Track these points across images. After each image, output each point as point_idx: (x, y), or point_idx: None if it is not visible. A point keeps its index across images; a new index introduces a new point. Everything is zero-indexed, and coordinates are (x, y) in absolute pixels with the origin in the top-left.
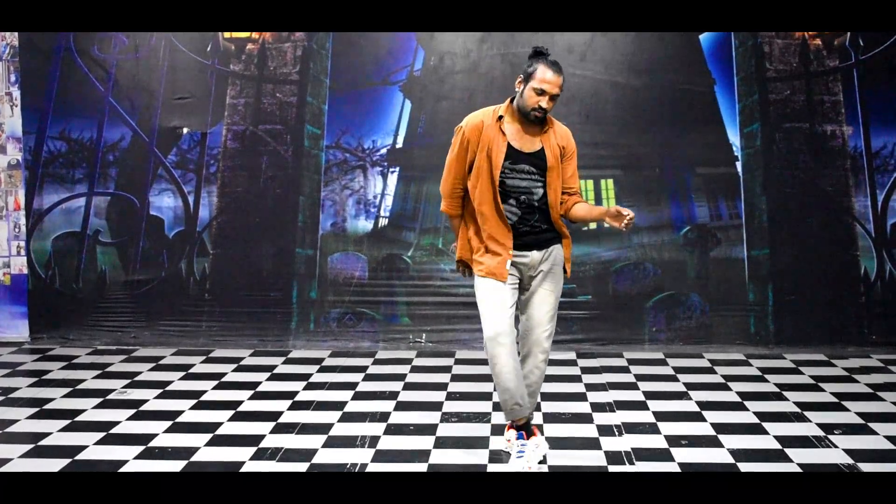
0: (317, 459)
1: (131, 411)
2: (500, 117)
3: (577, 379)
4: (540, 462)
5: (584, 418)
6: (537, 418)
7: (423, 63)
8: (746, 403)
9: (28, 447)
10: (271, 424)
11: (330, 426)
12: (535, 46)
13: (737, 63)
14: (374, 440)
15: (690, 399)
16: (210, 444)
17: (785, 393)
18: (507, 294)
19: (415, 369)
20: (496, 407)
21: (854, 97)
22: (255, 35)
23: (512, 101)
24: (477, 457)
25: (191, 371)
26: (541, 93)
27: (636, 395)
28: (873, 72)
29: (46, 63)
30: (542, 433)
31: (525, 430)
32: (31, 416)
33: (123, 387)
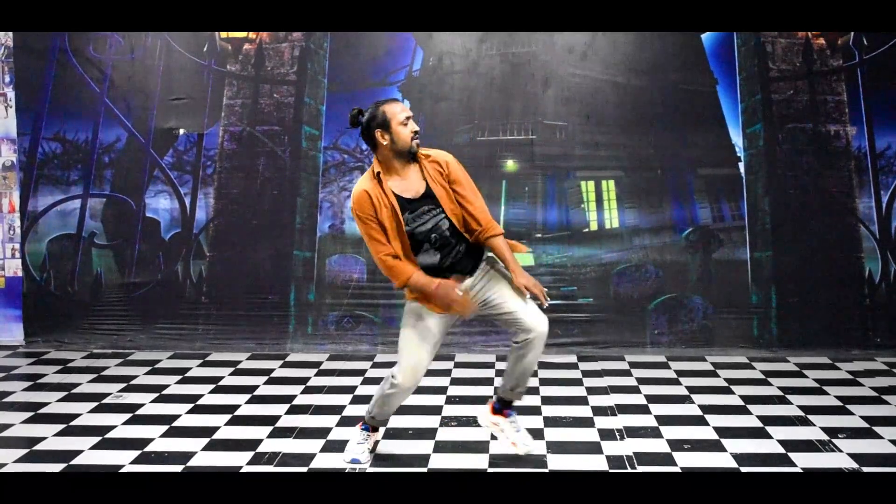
0: (315, 464)
1: (127, 415)
2: (378, 174)
3: (578, 382)
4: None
5: (586, 422)
6: (537, 422)
7: (422, 63)
8: (749, 407)
9: (23, 452)
10: (269, 428)
11: (328, 430)
12: (351, 113)
13: (739, 63)
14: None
15: (693, 402)
16: (207, 448)
17: (788, 396)
18: (434, 329)
19: None
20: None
21: (858, 97)
22: (251, 35)
23: (380, 162)
24: (476, 461)
25: (187, 375)
26: (407, 120)
27: (638, 399)
28: (877, 71)
29: (41, 64)
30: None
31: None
32: (26, 421)
33: (119, 391)
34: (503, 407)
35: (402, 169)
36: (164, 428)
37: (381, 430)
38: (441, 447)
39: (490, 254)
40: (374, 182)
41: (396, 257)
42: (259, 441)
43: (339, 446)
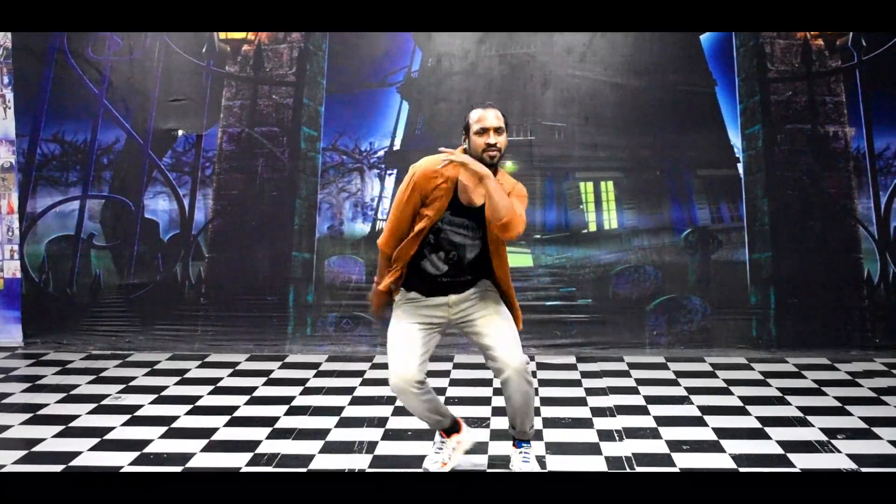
0: (314, 465)
1: (126, 417)
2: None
3: (577, 383)
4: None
5: (585, 423)
6: (536, 423)
7: (421, 64)
8: (748, 408)
9: (22, 453)
10: (268, 430)
11: (327, 431)
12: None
13: (738, 64)
14: (371, 445)
15: (692, 403)
16: (206, 449)
17: (787, 397)
18: (417, 333)
19: None
20: (495, 412)
21: (857, 98)
22: (250, 36)
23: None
24: (476, 461)
25: (186, 376)
26: (482, 132)
27: (637, 400)
28: (876, 72)
29: (40, 65)
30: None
31: (446, 431)
32: (25, 422)
33: (118, 392)
34: (514, 439)
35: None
36: (163, 429)
37: (459, 433)
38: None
39: (483, 281)
40: (451, 169)
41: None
42: (258, 442)
43: (338, 447)
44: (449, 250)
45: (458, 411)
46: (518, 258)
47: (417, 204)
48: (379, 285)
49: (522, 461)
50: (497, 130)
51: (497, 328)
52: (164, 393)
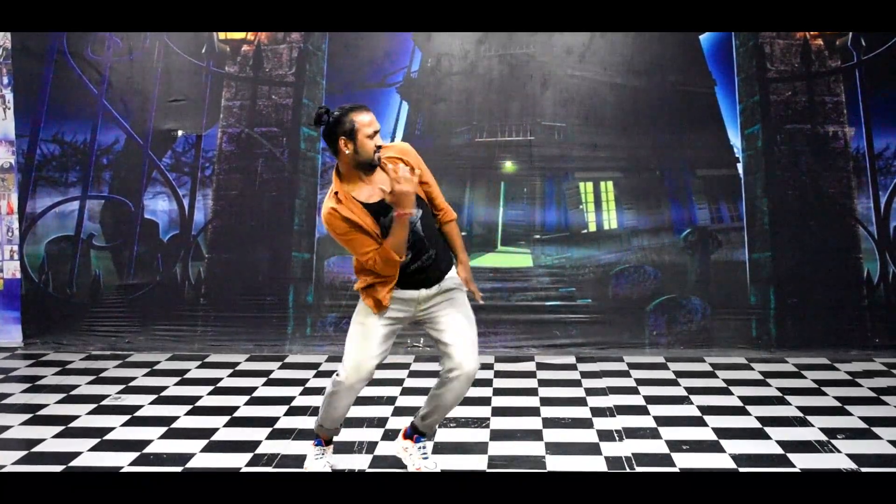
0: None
1: (126, 417)
2: (337, 194)
3: (576, 383)
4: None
5: (585, 423)
6: (536, 423)
7: (420, 65)
8: (748, 408)
9: (21, 454)
10: (268, 430)
11: None
12: (317, 111)
13: (737, 64)
14: (371, 445)
15: (692, 403)
16: (205, 450)
17: (787, 397)
18: (381, 330)
19: (412, 374)
20: (495, 412)
21: (856, 98)
22: (250, 37)
23: (338, 174)
24: (475, 462)
25: (186, 376)
26: (373, 135)
27: (637, 400)
28: (876, 72)
29: (39, 65)
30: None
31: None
32: (25, 423)
33: (118, 392)
34: (414, 433)
35: (366, 175)
36: (163, 429)
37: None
38: (440, 448)
39: (454, 275)
40: (338, 203)
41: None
42: (258, 442)
43: (337, 447)
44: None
45: (456, 412)
46: (518, 258)
47: (364, 233)
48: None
49: (422, 457)
50: (378, 131)
51: (459, 328)
52: (164, 393)
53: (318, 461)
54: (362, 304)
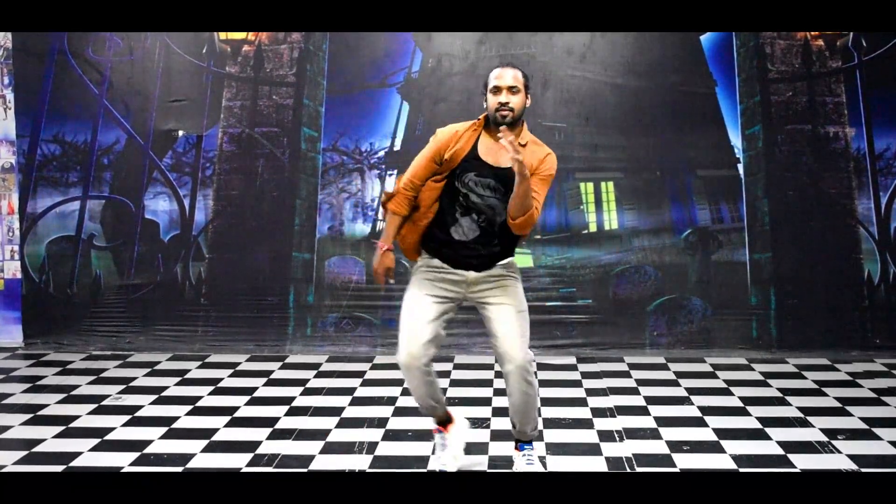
0: (314, 465)
1: (126, 417)
2: (478, 127)
3: (577, 384)
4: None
5: (585, 424)
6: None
7: (421, 65)
8: (749, 408)
9: (22, 454)
10: (268, 430)
11: (327, 432)
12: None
13: (738, 64)
14: (372, 446)
15: (692, 404)
16: (206, 450)
17: (788, 398)
18: (430, 307)
19: None
20: (496, 412)
21: (857, 98)
22: (251, 37)
23: (486, 120)
24: (476, 462)
25: (186, 376)
26: (496, 90)
27: (637, 400)
28: (876, 73)
29: (40, 65)
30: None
31: (441, 423)
32: (25, 423)
33: (118, 392)
34: (517, 441)
35: (496, 133)
36: (164, 430)
37: (454, 423)
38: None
39: (508, 262)
40: (471, 131)
41: (415, 197)
42: (258, 443)
43: (338, 448)
44: (479, 214)
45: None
46: (518, 259)
47: (439, 158)
48: (382, 248)
49: (527, 464)
50: (511, 89)
51: (507, 319)
52: (165, 393)
53: (442, 453)
54: (413, 278)
